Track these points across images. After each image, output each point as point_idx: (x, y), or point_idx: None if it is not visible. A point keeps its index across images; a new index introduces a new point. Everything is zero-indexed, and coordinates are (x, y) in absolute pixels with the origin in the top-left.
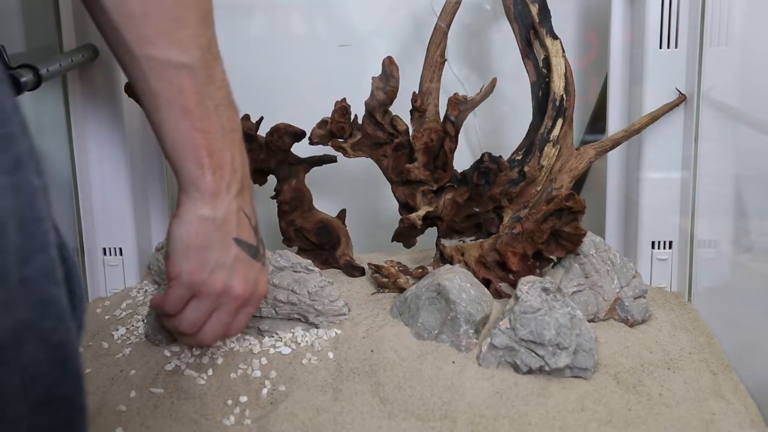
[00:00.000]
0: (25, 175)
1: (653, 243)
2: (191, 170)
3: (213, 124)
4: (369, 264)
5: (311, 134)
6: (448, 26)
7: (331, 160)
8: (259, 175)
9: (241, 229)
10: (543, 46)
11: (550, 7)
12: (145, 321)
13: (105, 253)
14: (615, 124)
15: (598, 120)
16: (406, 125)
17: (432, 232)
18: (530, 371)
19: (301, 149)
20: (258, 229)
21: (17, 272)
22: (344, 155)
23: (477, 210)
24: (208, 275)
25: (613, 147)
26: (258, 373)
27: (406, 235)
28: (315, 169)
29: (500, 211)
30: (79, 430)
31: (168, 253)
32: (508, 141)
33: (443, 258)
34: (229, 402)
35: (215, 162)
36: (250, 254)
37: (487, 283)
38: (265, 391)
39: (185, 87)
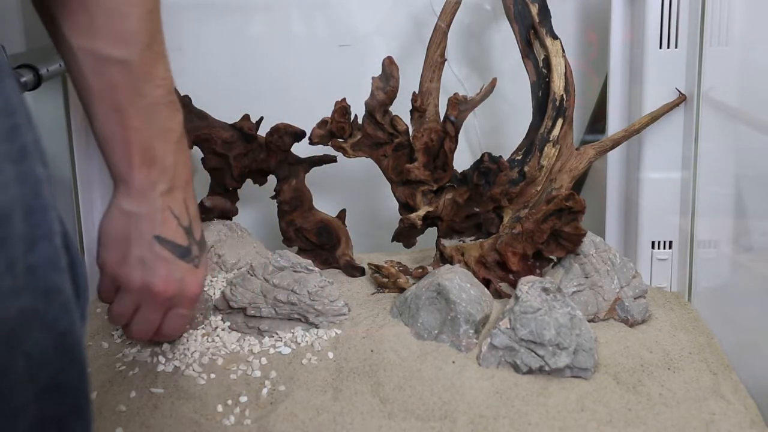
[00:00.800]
0: (31, 165)
1: (653, 243)
2: (119, 166)
3: (145, 123)
4: (369, 264)
5: (311, 134)
6: (448, 26)
7: (331, 160)
8: (259, 175)
9: (166, 228)
10: (543, 46)
11: (550, 7)
12: None
13: None
14: (615, 124)
15: (598, 120)
16: (406, 125)
17: (432, 232)
18: (530, 371)
19: (301, 149)
20: (193, 231)
21: (23, 260)
22: (344, 155)
23: (477, 210)
24: (127, 269)
25: (613, 147)
26: (258, 373)
27: (406, 235)
28: (315, 169)
29: (500, 211)
30: (84, 417)
31: (97, 243)
32: (508, 141)
33: (443, 258)
34: (229, 402)
35: (143, 160)
36: (176, 254)
37: (487, 283)
38: (265, 391)
39: (118, 83)
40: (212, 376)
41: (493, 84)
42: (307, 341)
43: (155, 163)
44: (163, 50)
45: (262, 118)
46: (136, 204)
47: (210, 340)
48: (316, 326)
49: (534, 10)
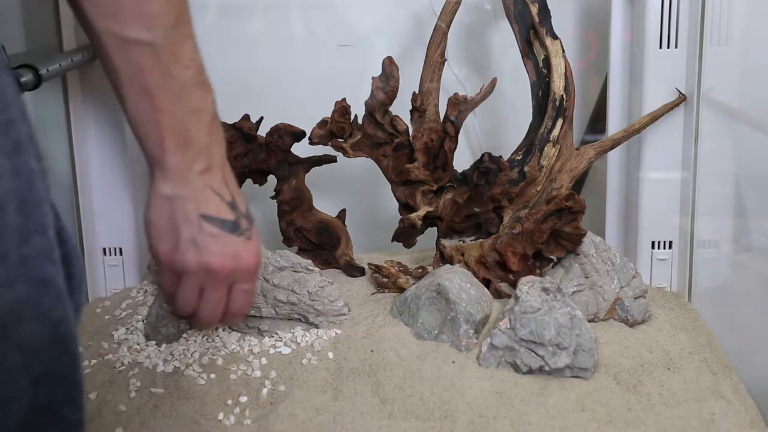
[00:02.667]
0: (25, 158)
1: (653, 243)
2: (153, 150)
3: (175, 105)
4: (369, 264)
5: (311, 134)
6: (448, 26)
7: (331, 160)
8: (259, 175)
9: (209, 206)
10: (543, 46)
11: (550, 7)
12: (145, 321)
13: (105, 253)
14: (615, 124)
15: (598, 120)
16: (406, 125)
17: (432, 232)
18: (530, 371)
19: (301, 149)
20: (237, 205)
21: (17, 251)
22: (344, 155)
23: (477, 210)
24: (181, 254)
25: (613, 147)
26: (258, 373)
27: (406, 235)
28: (315, 169)
29: (500, 211)
30: (76, 405)
31: (146, 237)
32: (508, 141)
33: (443, 258)
34: (229, 402)
35: (177, 142)
36: (225, 229)
37: (487, 283)
38: (265, 391)
39: (146, 66)
40: (212, 376)
41: (493, 84)
42: (307, 341)
43: (189, 145)
44: (190, 30)
45: (262, 118)
46: (175, 187)
47: (210, 340)
48: (316, 326)
49: (534, 10)
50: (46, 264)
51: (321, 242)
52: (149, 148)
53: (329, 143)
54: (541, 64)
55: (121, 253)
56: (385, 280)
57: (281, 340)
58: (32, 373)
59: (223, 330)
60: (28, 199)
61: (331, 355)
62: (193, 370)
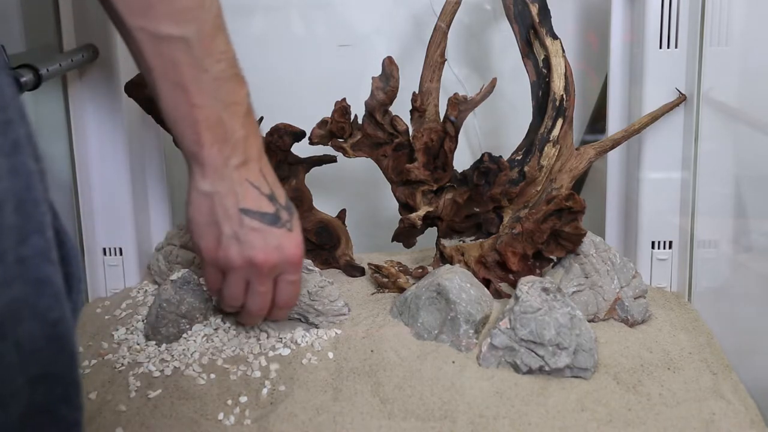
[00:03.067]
0: (23, 158)
1: (653, 243)
2: (190, 146)
3: (209, 99)
4: (369, 264)
5: (311, 134)
6: (448, 26)
7: (331, 160)
8: None
9: (248, 200)
10: (543, 46)
11: (550, 7)
12: (145, 321)
13: (105, 253)
14: (615, 124)
15: (598, 120)
16: (406, 125)
17: (432, 232)
18: (530, 371)
19: (301, 149)
20: (276, 197)
21: (14, 251)
22: (344, 155)
23: (477, 210)
24: (224, 250)
25: (613, 147)
26: (258, 374)
27: (406, 235)
28: (315, 169)
29: (500, 211)
30: (74, 405)
31: (189, 235)
32: (508, 141)
33: (443, 258)
34: (229, 402)
35: (213, 137)
36: (265, 222)
37: (487, 283)
38: (265, 391)
39: (179, 61)
40: (212, 376)
41: (493, 84)
42: (307, 341)
43: (226, 139)
44: (220, 23)
45: (261, 118)
46: (213, 183)
47: (210, 340)
48: (316, 326)
49: (534, 10)
50: (44, 264)
51: (321, 242)
52: (186, 144)
53: (329, 143)
54: (541, 64)
55: (121, 253)
56: (385, 280)
57: (281, 341)
58: (29, 373)
59: (223, 330)
60: (26, 199)
61: (331, 355)
62: (193, 370)
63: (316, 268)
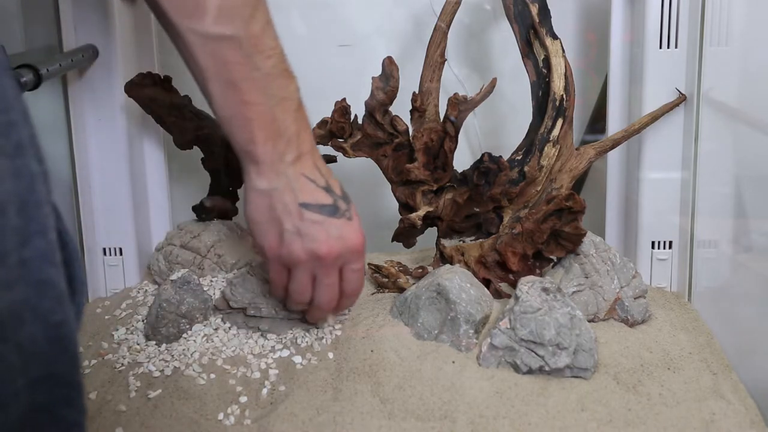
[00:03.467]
0: (26, 160)
1: (653, 243)
2: (244, 144)
3: (261, 96)
4: (369, 264)
5: None
6: (448, 26)
7: (331, 160)
8: None
9: (306, 193)
10: (543, 46)
11: (550, 7)
12: (145, 321)
13: (105, 253)
14: (615, 124)
15: (598, 120)
16: (406, 125)
17: (432, 232)
18: (530, 371)
19: None
20: (332, 188)
21: (17, 253)
22: (344, 155)
23: (477, 210)
24: (287, 246)
25: (613, 147)
26: (258, 374)
27: (406, 235)
28: None
29: (500, 211)
30: (75, 407)
31: (251, 234)
32: (508, 141)
33: (443, 258)
34: (229, 402)
35: (266, 134)
36: (325, 214)
37: (487, 283)
38: (265, 391)
39: (230, 59)
40: (212, 376)
41: (493, 84)
42: (307, 341)
43: (279, 135)
44: (268, 19)
45: None
46: (270, 180)
47: (210, 340)
48: (316, 326)
49: (534, 10)
50: (46, 266)
51: None
52: (240, 143)
53: (329, 143)
54: (541, 64)
55: (121, 253)
56: (385, 280)
57: (281, 341)
58: (31, 375)
59: (223, 330)
60: (28, 201)
61: (331, 355)
62: (193, 370)
63: None
